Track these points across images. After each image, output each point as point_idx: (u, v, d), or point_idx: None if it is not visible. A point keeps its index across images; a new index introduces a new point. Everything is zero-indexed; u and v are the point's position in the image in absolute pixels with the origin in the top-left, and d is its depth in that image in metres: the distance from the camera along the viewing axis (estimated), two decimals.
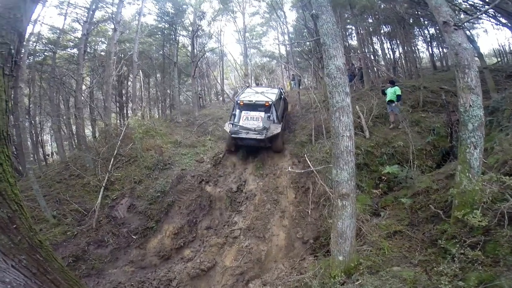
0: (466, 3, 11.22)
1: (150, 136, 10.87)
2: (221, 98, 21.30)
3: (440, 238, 4.12)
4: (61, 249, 6.42)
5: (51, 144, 19.86)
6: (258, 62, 25.76)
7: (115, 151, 8.52)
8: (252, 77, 21.23)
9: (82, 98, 10.18)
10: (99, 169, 8.52)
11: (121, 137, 8.93)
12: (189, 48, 16.87)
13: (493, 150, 5.44)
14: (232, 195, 8.35)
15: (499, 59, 18.27)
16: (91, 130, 15.19)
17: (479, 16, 10.38)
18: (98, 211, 7.31)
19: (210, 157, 10.31)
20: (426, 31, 19.59)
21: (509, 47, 19.03)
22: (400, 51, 19.68)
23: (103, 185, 7.88)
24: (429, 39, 19.72)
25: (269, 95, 10.19)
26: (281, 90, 12.35)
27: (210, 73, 21.88)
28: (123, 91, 18.26)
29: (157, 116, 19.16)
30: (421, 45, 20.94)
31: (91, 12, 11.04)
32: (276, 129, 9.08)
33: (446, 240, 3.87)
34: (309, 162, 7.95)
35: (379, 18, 17.33)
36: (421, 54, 21.32)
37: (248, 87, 12.67)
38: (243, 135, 8.87)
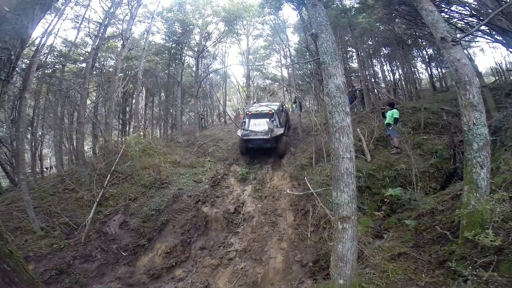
0: (461, 22, 11.49)
1: (148, 155, 10.84)
2: (223, 120, 21.51)
3: (448, 259, 3.88)
4: (45, 261, 6.18)
5: (51, 157, 19.84)
6: (261, 84, 26.35)
7: (112, 168, 8.43)
8: (255, 99, 21.56)
9: (86, 113, 10.26)
10: (94, 185, 8.40)
11: (119, 154, 8.87)
12: (194, 68, 17.35)
13: (499, 170, 5.26)
14: (229, 216, 8.09)
15: (497, 78, 18.42)
16: (92, 145, 15.20)
17: (475, 33, 10.58)
18: (89, 225, 7.14)
19: (209, 177, 10.18)
20: (424, 52, 20.05)
21: (506, 65, 19.27)
22: (400, 73, 20.02)
23: (97, 200, 7.75)
24: (427, 60, 20.12)
25: (272, 106, 12.24)
26: (282, 104, 14.12)
27: (213, 94, 22.29)
28: (127, 108, 18.54)
29: (159, 135, 19.26)
30: (420, 66, 21.35)
31: (103, 27, 11.46)
32: (278, 131, 10.83)
33: (456, 261, 3.60)
34: (309, 185, 7.77)
35: (379, 40, 17.83)
36: (420, 75, 21.66)
37: (255, 102, 15.36)
38: (252, 137, 10.60)
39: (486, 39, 11.74)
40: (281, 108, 12.85)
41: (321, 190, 6.53)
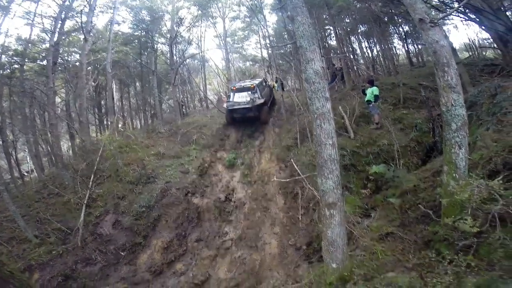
0: (436, 0, 11.54)
1: (131, 150, 10.47)
2: (204, 105, 20.98)
3: (433, 239, 4.08)
4: (48, 268, 6.24)
5: (29, 161, 18.81)
6: (241, 66, 25.65)
7: (95, 168, 8.12)
8: (237, 80, 21.06)
9: (55, 113, 9.63)
10: (79, 186, 8.16)
11: (100, 153, 8.50)
12: (168, 55, 16.50)
13: (475, 145, 5.49)
14: (220, 205, 8.13)
15: (470, 54, 18.97)
16: (69, 146, 14.47)
17: (451, 13, 10.71)
18: (82, 229, 7.08)
19: (196, 167, 10.04)
20: (401, 29, 20.15)
21: (479, 42, 19.84)
22: (378, 49, 20.13)
23: (85, 202, 7.56)
24: (404, 37, 20.30)
25: (254, 82, 13.70)
26: (265, 80, 15.77)
27: (192, 80, 21.51)
28: (102, 102, 17.59)
29: (139, 127, 18.59)
30: (397, 43, 21.53)
31: (60, 22, 10.51)
32: (259, 100, 12.21)
33: (439, 242, 3.82)
34: (296, 167, 7.86)
35: (356, 17, 17.66)
36: (397, 51, 21.90)
37: (240, 80, 16.90)
38: (236, 107, 12.05)
39: (460, 17, 11.89)
40: (263, 83, 14.41)
41: (307, 175, 6.58)
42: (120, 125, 12.22)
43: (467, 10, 10.66)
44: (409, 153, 8.66)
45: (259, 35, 20.18)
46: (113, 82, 14.14)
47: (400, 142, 8.53)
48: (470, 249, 3.26)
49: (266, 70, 20.47)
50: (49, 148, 13.41)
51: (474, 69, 12.65)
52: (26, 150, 17.00)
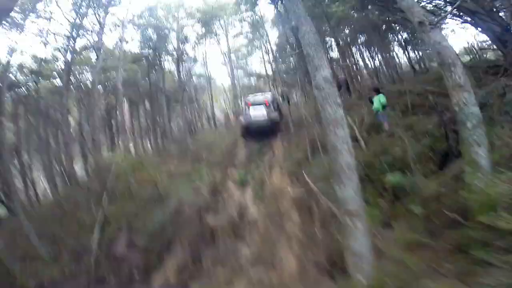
0: (430, 4, 11.69)
1: (142, 169, 10.56)
2: (212, 123, 21.22)
3: (465, 244, 3.88)
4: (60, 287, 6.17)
5: (43, 181, 19.06)
6: (246, 82, 26.09)
7: (108, 186, 8.20)
8: (242, 98, 21.37)
9: (70, 131, 9.85)
10: (92, 206, 8.16)
11: (112, 171, 8.60)
12: (175, 73, 16.99)
13: (494, 145, 5.32)
14: (234, 223, 7.97)
15: (471, 57, 18.87)
16: (82, 165, 14.65)
17: (447, 15, 10.83)
18: (96, 248, 7.02)
19: (207, 184, 10.01)
20: (400, 36, 20.36)
21: (477, 44, 19.77)
22: (380, 58, 20.27)
23: (98, 221, 7.53)
24: (404, 44, 20.45)
25: (265, 95, 15.15)
26: (273, 93, 17.09)
27: (199, 98, 21.92)
28: (112, 122, 17.95)
29: (150, 147, 18.82)
30: (397, 50, 21.71)
31: (72, 40, 10.97)
32: (274, 113, 13.65)
33: (472, 245, 3.63)
34: (309, 181, 7.74)
35: (355, 27, 17.97)
36: (399, 59, 22.02)
37: (250, 94, 17.34)
38: (254, 122, 13.12)
39: (456, 20, 12.00)
40: (272, 96, 15.53)
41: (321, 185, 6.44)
42: (131, 144, 12.35)
43: (461, 13, 10.72)
44: (424, 160, 8.43)
45: (262, 50, 20.72)
46: (124, 100, 14.45)
47: (413, 149, 8.34)
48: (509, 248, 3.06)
49: (271, 84, 20.73)
50: (62, 168, 13.57)
51: (478, 71, 12.54)
52: (41, 170, 17.31)
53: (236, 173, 10.91)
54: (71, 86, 13.90)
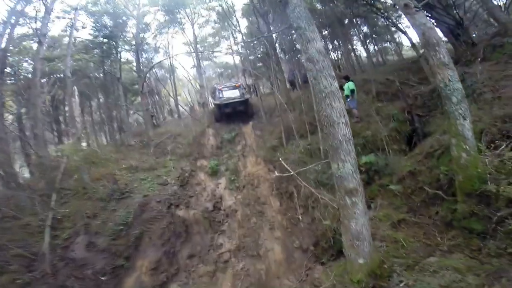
0: None
1: (98, 164, 9.30)
2: (176, 116, 19.88)
3: (454, 218, 3.89)
4: None
5: None
6: (212, 74, 25.02)
7: (56, 185, 6.93)
8: (207, 89, 20.35)
9: (5, 127, 8.18)
10: (39, 207, 6.90)
11: (62, 168, 7.30)
12: (134, 64, 15.39)
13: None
14: (209, 215, 7.39)
15: (422, 50, 20.60)
16: (27, 165, 12.50)
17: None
18: (49, 253, 5.97)
19: (175, 177, 9.19)
20: (360, 30, 21.32)
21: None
22: (342, 51, 21.00)
23: (48, 224, 6.39)
24: (364, 38, 21.50)
25: (236, 83, 15.29)
26: (241, 83, 16.79)
27: (160, 89, 20.37)
28: (60, 118, 15.72)
29: (105, 142, 16.91)
30: (357, 44, 22.73)
31: (9, 27, 9.17)
32: (248, 95, 14.67)
33: (465, 220, 3.61)
34: (286, 166, 7.47)
35: (322, 20, 18.24)
36: (359, 52, 23.09)
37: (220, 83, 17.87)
38: (230, 101, 13.37)
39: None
40: (242, 85, 15.79)
41: (302, 169, 6.18)
42: (83, 140, 10.71)
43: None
44: (392, 142, 8.79)
45: (230, 41, 19.89)
46: (74, 93, 12.62)
47: (382, 132, 8.61)
48: (507, 219, 3.04)
49: (240, 75, 20.12)
50: None
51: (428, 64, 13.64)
52: None
53: (207, 164, 10.20)
54: (7, 79, 11.83)
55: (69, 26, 12.37)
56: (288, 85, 16.50)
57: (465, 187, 3.83)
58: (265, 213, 6.78)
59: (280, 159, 8.14)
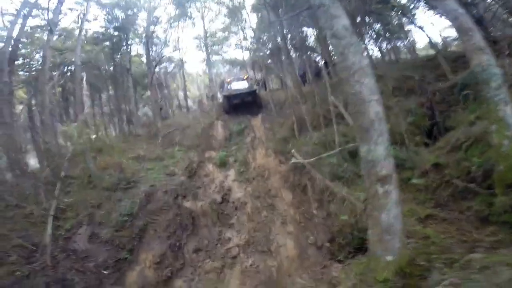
0: None
1: (105, 153, 9.11)
2: (184, 109, 19.69)
3: (492, 213, 3.47)
4: None
5: None
6: (221, 69, 24.73)
7: (62, 173, 6.73)
8: (216, 83, 20.08)
9: (14, 114, 8.05)
10: (43, 196, 6.70)
11: (67, 157, 7.10)
12: (144, 57, 15.25)
13: None
14: (217, 207, 7.06)
15: (437, 50, 19.82)
16: (37, 154, 12.45)
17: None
18: (51, 244, 5.72)
19: (182, 168, 8.94)
20: (373, 28, 20.72)
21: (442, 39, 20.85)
22: None
23: (52, 213, 6.19)
24: (376, 35, 20.91)
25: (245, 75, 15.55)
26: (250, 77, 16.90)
27: (169, 84, 20.21)
28: (70, 110, 15.67)
29: (114, 133, 16.84)
30: (370, 42, 22.15)
31: (21, 18, 9.08)
32: (256, 86, 14.47)
33: (506, 213, 3.19)
34: (299, 158, 7.11)
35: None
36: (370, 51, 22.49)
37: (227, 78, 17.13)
38: (238, 92, 13.32)
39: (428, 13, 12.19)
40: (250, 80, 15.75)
41: (317, 158, 5.77)
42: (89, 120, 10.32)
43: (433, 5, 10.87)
44: (411, 135, 8.36)
45: (240, 36, 19.53)
46: (83, 82, 12.49)
47: (400, 126, 8.18)
48: None
49: (249, 69, 19.77)
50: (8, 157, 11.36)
51: (448, 61, 13.17)
52: None
53: (215, 155, 9.92)
54: (19, 69, 11.83)
55: (80, 17, 12.23)
56: (298, 79, 16.08)
57: (507, 178, 3.41)
58: (277, 207, 6.42)
59: (293, 150, 7.81)
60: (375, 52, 23.39)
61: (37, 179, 7.37)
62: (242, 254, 5.43)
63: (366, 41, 21.35)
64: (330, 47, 19.89)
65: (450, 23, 11.77)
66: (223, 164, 9.13)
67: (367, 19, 18.22)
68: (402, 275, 3.04)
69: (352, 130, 8.31)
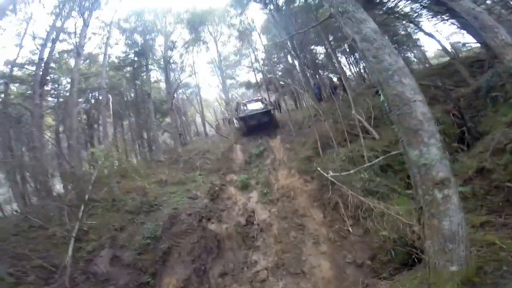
0: None
1: (129, 179, 9.18)
2: (203, 135, 20.00)
3: None
4: None
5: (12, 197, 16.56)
6: (235, 93, 25.39)
7: (86, 196, 6.75)
8: (232, 106, 20.50)
9: (44, 140, 8.35)
10: (66, 218, 6.72)
11: (93, 180, 7.17)
12: (162, 83, 15.94)
13: None
14: (242, 229, 6.73)
15: (450, 56, 19.34)
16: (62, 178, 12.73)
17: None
18: (71, 266, 5.55)
19: (205, 191, 8.76)
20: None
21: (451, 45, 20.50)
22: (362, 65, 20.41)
23: (74, 235, 6.10)
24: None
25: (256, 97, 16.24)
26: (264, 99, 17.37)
27: (187, 110, 20.82)
28: (95, 137, 16.29)
29: (136, 158, 17.16)
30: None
31: (51, 41, 9.79)
32: (271, 106, 14.59)
33: None
34: (326, 175, 6.78)
35: (341, 34, 17.98)
36: None
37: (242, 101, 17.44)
38: (254, 113, 13.51)
39: (434, 20, 12.11)
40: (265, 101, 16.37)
41: (355, 170, 5.43)
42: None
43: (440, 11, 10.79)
44: (444, 144, 7.86)
45: (251, 58, 20.17)
46: (110, 105, 13.02)
47: None
48: None
49: (262, 91, 20.13)
50: (36, 182, 11.62)
51: (465, 66, 12.76)
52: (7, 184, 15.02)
53: (236, 178, 9.75)
54: (48, 95, 12.58)
55: (103, 42, 13.06)
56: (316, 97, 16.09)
57: None
58: (306, 226, 6.00)
59: (318, 168, 7.50)
60: None
61: (61, 201, 7.42)
62: (272, 278, 4.98)
63: None
64: (343, 61, 20.15)
65: (459, 28, 11.67)
66: (245, 187, 8.94)
67: None
68: (471, 286, 2.65)
69: (378, 144, 8.05)
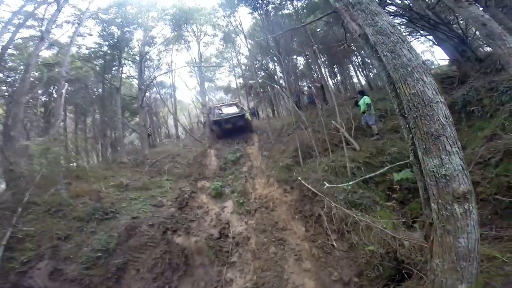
0: None
1: (83, 180, 7.96)
2: (174, 138, 18.79)
3: None
4: None
5: None
6: (212, 96, 24.56)
7: (25, 198, 5.55)
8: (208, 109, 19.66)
9: None
10: None
11: (36, 180, 5.94)
12: (135, 80, 14.69)
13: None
14: (215, 243, 5.94)
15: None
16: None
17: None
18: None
19: (172, 199, 7.84)
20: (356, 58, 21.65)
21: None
22: (340, 76, 21.16)
23: (3, 243, 5.06)
24: (362, 64, 21.79)
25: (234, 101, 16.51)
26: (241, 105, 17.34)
27: (159, 110, 19.55)
28: (50, 130, 14.36)
29: (96, 158, 15.47)
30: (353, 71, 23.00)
31: (12, 23, 8.42)
32: (245, 111, 14.50)
33: None
34: (308, 185, 6.36)
35: (319, 46, 18.40)
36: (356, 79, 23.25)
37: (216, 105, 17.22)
38: (229, 117, 13.23)
39: (414, 36, 12.61)
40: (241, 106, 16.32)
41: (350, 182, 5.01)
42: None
43: (422, 28, 11.26)
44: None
45: (232, 63, 19.64)
46: (63, 93, 11.51)
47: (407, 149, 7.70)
48: None
49: (241, 97, 19.64)
50: None
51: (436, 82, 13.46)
52: None
53: (210, 185, 8.94)
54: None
55: (77, 22, 11.65)
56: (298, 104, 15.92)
57: None
58: (287, 241, 5.42)
59: (299, 177, 7.05)
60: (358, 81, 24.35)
61: None
62: None
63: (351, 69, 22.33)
64: (323, 71, 20.49)
65: (435, 43, 12.09)
66: (218, 195, 8.18)
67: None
68: None
69: (359, 155, 7.83)
